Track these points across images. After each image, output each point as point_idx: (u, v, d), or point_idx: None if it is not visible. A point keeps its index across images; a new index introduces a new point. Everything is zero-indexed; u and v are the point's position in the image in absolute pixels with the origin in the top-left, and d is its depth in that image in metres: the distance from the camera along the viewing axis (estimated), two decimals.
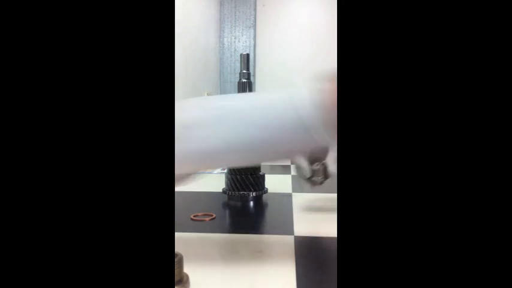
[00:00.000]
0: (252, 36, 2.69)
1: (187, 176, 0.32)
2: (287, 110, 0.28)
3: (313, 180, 0.44)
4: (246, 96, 0.41)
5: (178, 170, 0.25)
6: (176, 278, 0.25)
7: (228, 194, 0.55)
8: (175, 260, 0.25)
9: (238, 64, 2.50)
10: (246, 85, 0.55)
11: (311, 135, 0.28)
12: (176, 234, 0.37)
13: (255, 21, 2.74)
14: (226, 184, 0.55)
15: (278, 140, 0.29)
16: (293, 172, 0.83)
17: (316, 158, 0.40)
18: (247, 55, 0.55)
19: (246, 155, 0.31)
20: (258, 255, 0.33)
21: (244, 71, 0.55)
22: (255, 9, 2.70)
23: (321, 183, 0.43)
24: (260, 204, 0.49)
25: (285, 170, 0.90)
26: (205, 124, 0.29)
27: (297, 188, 0.66)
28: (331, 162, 0.35)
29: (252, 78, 0.56)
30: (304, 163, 0.39)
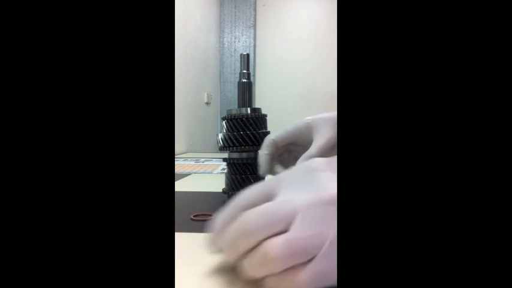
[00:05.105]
0: (252, 36, 2.69)
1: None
2: None
3: None
4: None
5: None
6: None
7: (228, 194, 0.55)
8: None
9: (238, 64, 2.50)
10: (246, 85, 0.54)
11: None
12: (176, 234, 0.37)
13: (255, 21, 2.74)
14: (226, 184, 0.55)
15: None
16: None
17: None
18: (247, 55, 0.55)
19: None
20: None
21: (244, 71, 0.55)
22: (255, 9, 2.70)
23: None
24: None
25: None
26: None
27: None
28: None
29: (252, 78, 0.56)
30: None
